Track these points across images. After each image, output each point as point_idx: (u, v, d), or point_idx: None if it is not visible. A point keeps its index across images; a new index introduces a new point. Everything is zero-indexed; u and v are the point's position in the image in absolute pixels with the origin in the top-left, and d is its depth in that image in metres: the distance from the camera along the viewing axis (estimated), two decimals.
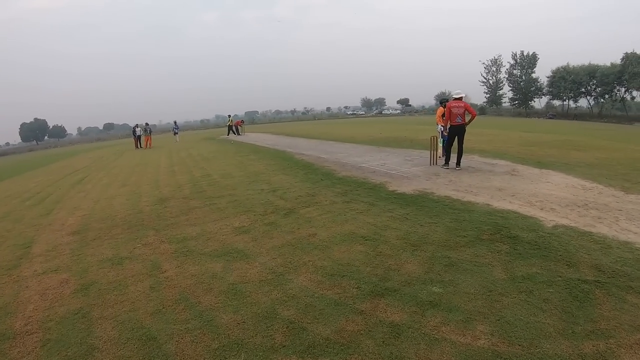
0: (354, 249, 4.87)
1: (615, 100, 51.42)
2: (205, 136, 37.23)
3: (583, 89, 54.23)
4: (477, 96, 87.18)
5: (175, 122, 34.94)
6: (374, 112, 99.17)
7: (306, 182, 9.39)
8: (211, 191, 9.37)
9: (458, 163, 9.70)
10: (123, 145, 36.07)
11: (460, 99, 9.45)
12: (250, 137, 29.77)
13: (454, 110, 9.35)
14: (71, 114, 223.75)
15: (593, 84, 52.96)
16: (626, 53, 47.38)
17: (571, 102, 58.15)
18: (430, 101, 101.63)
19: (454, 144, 9.80)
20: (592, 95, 54.69)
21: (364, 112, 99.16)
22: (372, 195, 7.44)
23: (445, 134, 9.91)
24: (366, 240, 5.12)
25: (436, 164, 10.28)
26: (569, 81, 53.61)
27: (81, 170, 17.99)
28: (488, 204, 6.31)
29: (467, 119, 9.59)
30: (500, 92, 67.30)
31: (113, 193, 10.48)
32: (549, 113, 56.36)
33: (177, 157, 18.76)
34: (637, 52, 46.31)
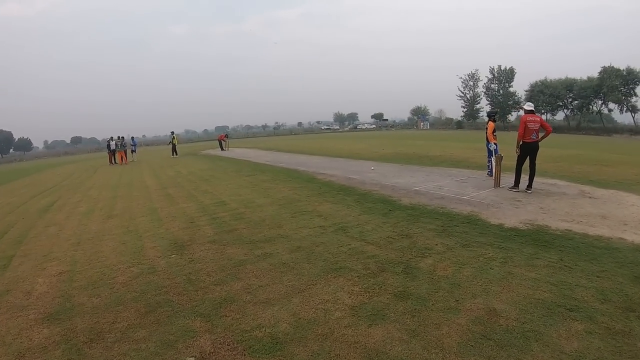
0: (573, 327, 3.17)
1: (592, 113, 51.95)
2: (185, 151, 33.96)
3: (560, 103, 54.53)
4: (455, 111, 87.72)
5: (132, 138, 28.79)
6: (349, 127, 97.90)
7: (373, 214, 7.11)
8: (246, 229, 6.69)
9: (530, 185, 8.47)
10: (95, 161, 32.11)
11: (533, 111, 8.23)
12: (236, 152, 26.99)
13: (530, 125, 8.09)
14: (37, 127, 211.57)
15: (570, 98, 53.32)
16: (604, 67, 47.76)
17: (549, 116, 58.58)
18: (405, 115, 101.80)
19: (524, 163, 8.63)
20: (568, 109, 54.94)
21: (338, 127, 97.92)
22: (482, 234, 5.72)
23: (517, 152, 8.46)
24: (572, 311, 3.41)
25: (499, 185, 9.07)
26: (547, 95, 53.60)
27: (50, 190, 14.53)
28: (622, 238, 5.22)
29: (540, 135, 8.41)
30: (478, 106, 67.25)
31: (98, 229, 7.54)
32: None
33: (165, 176, 15.69)
34: (615, 66, 46.77)
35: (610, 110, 51.10)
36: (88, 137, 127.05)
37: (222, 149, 30.41)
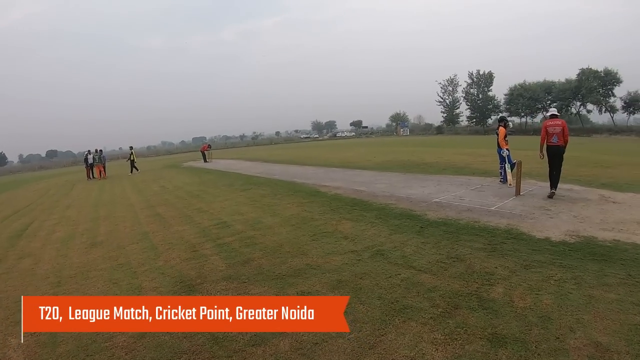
0: None
1: (571, 114, 52.83)
2: (165, 163, 32.46)
3: (539, 105, 55.30)
4: (434, 116, 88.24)
5: (100, 151, 24.64)
6: (328, 135, 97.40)
7: (405, 233, 6.34)
8: (264, 258, 5.69)
9: (555, 185, 8.37)
10: (72, 175, 30.06)
11: (557, 116, 8.28)
12: (221, 164, 25.76)
13: (551, 130, 8.14)
14: (12, 140, 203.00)
15: (549, 100, 54.18)
16: (582, 69, 48.77)
17: (528, 119, 59.47)
18: (383, 122, 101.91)
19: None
20: (547, 111, 55.83)
21: (317, 135, 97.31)
22: (536, 250, 5.17)
23: (540, 156, 8.52)
24: None
25: (520, 193, 8.68)
26: (526, 98, 54.25)
27: (24, 210, 13.07)
28: None
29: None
30: (457, 110, 67.73)
31: (81, 262, 6.39)
32: (509, 129, 57.07)
33: (150, 192, 14.42)
34: (593, 68, 47.78)
35: (589, 112, 52.13)
36: (64, 151, 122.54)
37: (205, 160, 29.11)
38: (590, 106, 50.03)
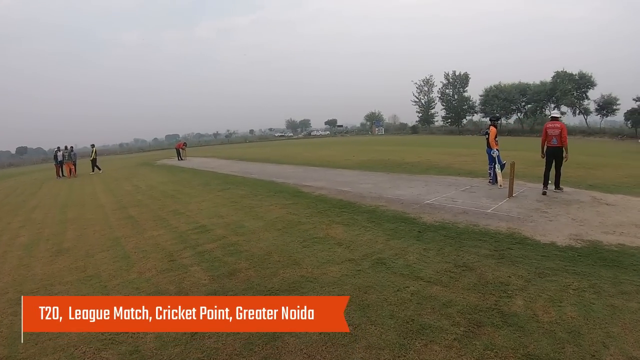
0: None
1: (545, 116, 53.79)
2: (138, 161, 31.18)
3: (514, 106, 55.93)
4: (408, 116, 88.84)
5: (71, 148, 22.60)
6: (302, 134, 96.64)
7: (403, 239, 5.93)
8: (252, 269, 5.14)
9: (557, 185, 8.72)
10: (41, 173, 28.17)
11: (557, 119, 8.62)
12: (195, 162, 24.85)
13: (550, 132, 8.46)
14: None
15: (523, 102, 54.82)
16: (557, 71, 49.74)
17: (503, 120, 60.25)
18: (357, 121, 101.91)
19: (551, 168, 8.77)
20: (522, 112, 56.58)
21: (292, 134, 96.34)
22: (545, 257, 4.92)
23: (542, 157, 8.76)
24: None
25: (513, 195, 8.49)
26: (501, 99, 54.96)
27: None
28: None
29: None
30: (432, 111, 68.19)
31: (45, 273, 5.68)
32: (483, 130, 57.83)
33: (122, 192, 13.55)
34: (567, 71, 48.78)
35: (563, 113, 53.09)
36: (34, 147, 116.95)
37: (180, 158, 28.09)
38: (564, 108, 50.83)
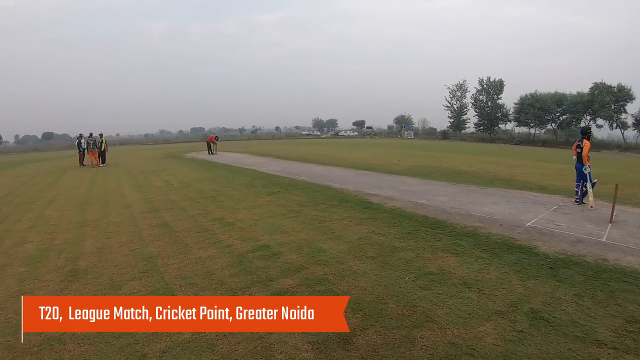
0: None
1: (580, 128, 51.12)
2: (165, 153, 29.64)
3: (549, 117, 53.50)
4: (438, 120, 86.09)
5: (100, 135, 21.19)
6: (330, 133, 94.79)
7: (539, 279, 4.50)
8: (369, 328, 3.41)
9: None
10: (64, 160, 26.62)
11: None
12: (228, 157, 22.97)
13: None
14: (9, 121, 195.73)
15: (559, 112, 52.52)
16: (595, 83, 47.02)
17: (537, 130, 58.01)
18: (384, 123, 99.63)
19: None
20: (556, 123, 54.00)
21: (319, 133, 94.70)
22: None
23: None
24: None
25: (612, 220, 7.06)
26: (536, 108, 52.62)
27: None
28: None
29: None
30: (464, 117, 65.81)
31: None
32: (516, 139, 56.01)
33: (152, 188, 11.74)
34: (606, 82, 46.18)
35: (599, 127, 50.48)
36: (60, 134, 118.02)
37: (210, 152, 26.29)
38: (600, 121, 48.11)
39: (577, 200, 8.64)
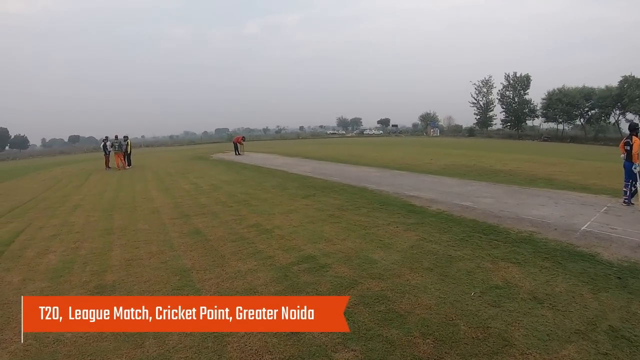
0: None
1: (609, 123, 49.85)
2: (191, 154, 29.50)
3: (577, 112, 51.82)
4: (466, 118, 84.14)
5: (125, 137, 20.78)
6: (355, 132, 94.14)
7: (611, 290, 4.07)
8: (442, 357, 2.61)
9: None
10: (90, 163, 26.69)
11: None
12: (256, 158, 22.49)
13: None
14: (36, 124, 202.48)
15: (587, 107, 50.85)
16: (625, 76, 45.45)
17: (565, 125, 56.23)
18: (409, 121, 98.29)
19: None
20: (585, 118, 52.28)
21: (345, 132, 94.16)
22: None
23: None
24: None
25: None
26: (564, 103, 50.89)
27: (22, 208, 10.06)
28: None
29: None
30: (491, 113, 64.11)
31: (75, 342, 3.39)
32: (544, 135, 54.29)
33: (180, 191, 11.34)
34: (636, 76, 44.65)
35: (628, 121, 48.50)
36: (86, 136, 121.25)
37: (237, 153, 25.93)
38: (630, 115, 46.34)
39: (626, 200, 8.13)
